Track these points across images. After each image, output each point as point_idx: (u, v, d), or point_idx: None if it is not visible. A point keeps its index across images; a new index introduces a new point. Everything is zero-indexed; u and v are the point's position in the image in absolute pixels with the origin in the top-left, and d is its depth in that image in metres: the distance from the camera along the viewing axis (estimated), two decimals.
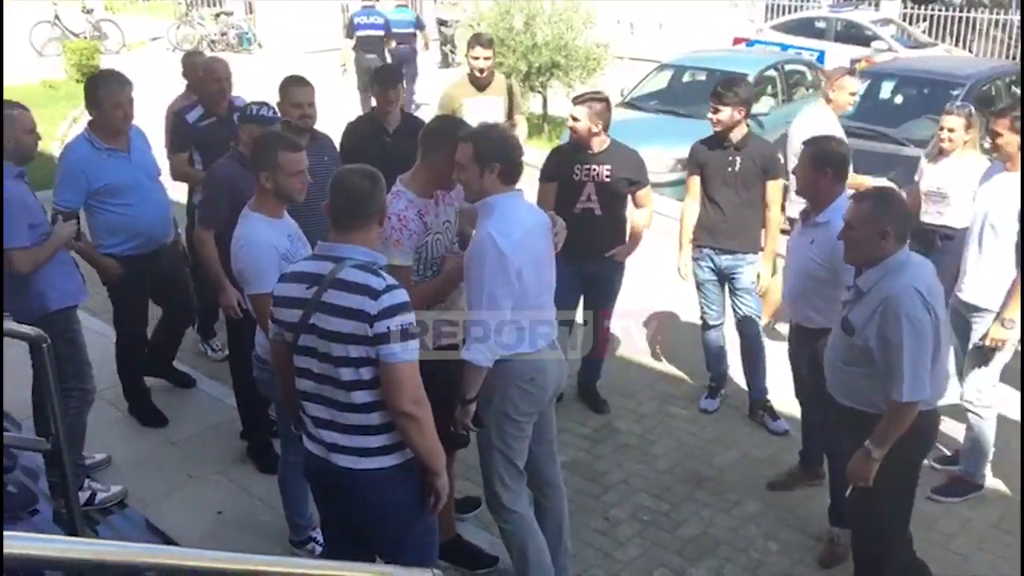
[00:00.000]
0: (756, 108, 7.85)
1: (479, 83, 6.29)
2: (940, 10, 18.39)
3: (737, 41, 16.34)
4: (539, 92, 12.20)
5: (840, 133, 5.52)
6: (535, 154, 8.84)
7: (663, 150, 9.07)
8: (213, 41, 20.30)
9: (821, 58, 14.42)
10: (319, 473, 3.06)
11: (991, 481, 4.79)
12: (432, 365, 3.11)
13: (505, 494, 3.65)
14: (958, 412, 4.80)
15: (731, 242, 5.20)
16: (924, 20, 18.38)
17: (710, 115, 5.10)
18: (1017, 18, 17.03)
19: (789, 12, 18.93)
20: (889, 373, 3.30)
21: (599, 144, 5.01)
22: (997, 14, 17.79)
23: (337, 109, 8.21)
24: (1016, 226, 4.37)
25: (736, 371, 5.72)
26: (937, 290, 3.40)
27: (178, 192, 5.81)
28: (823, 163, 4.08)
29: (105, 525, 4.34)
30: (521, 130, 6.62)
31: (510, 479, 3.65)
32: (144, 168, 4.82)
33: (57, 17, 19.26)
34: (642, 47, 16.42)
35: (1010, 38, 17.45)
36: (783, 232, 5.26)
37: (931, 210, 5.47)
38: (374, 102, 5.56)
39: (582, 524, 4.47)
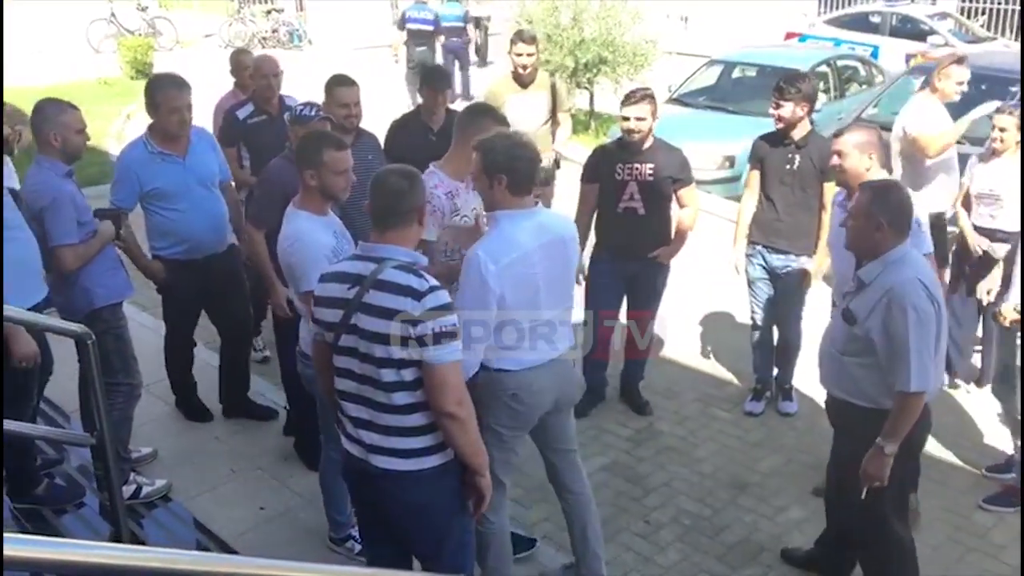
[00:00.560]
0: None
1: (522, 80, 6.26)
2: (1000, 3, 17.92)
3: (789, 36, 16.07)
4: (586, 88, 12.13)
5: (948, 122, 5.49)
6: (581, 151, 8.83)
7: (711, 147, 8.99)
8: (264, 38, 20.53)
9: (875, 53, 14.13)
10: (357, 474, 3.06)
11: None
12: None
13: None
14: (1011, 421, 4.68)
15: (783, 242, 5.10)
16: (983, 14, 17.92)
17: (771, 110, 4.99)
18: None
19: (843, 6, 18.60)
20: (894, 364, 3.34)
21: (644, 143, 4.95)
22: None
23: (386, 104, 8.25)
24: None
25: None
26: (937, 282, 3.46)
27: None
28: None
29: (149, 519, 4.41)
30: (564, 128, 6.58)
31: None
32: (198, 174, 4.73)
33: (113, 15, 19.62)
34: (691, 42, 16.26)
35: None
36: None
37: (983, 213, 5.30)
38: (421, 99, 5.59)
39: (622, 527, 4.44)
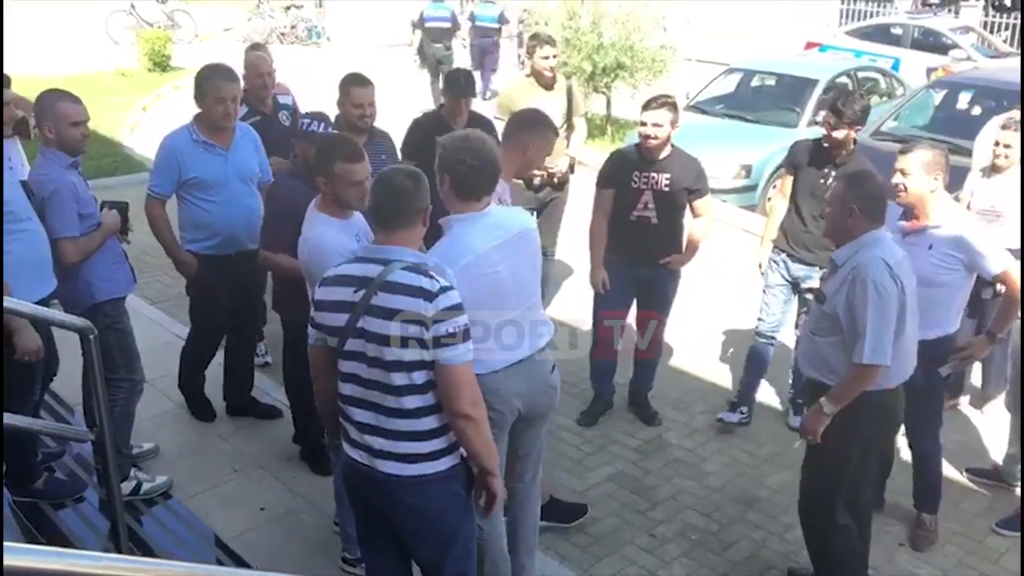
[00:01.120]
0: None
1: (546, 82, 6.22)
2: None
3: (809, 46, 15.97)
4: (603, 93, 12.07)
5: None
6: (596, 155, 8.76)
7: (728, 156, 8.91)
8: (283, 34, 20.61)
9: (896, 66, 14.01)
10: (361, 480, 3.00)
11: None
12: None
13: None
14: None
15: (807, 253, 5.01)
16: (1006, 29, 17.77)
17: (825, 130, 4.86)
18: None
19: (865, 17, 18.47)
20: (853, 336, 3.46)
21: (661, 151, 4.88)
22: None
23: (405, 101, 8.20)
24: None
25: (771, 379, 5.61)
26: (905, 265, 3.52)
27: None
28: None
29: (148, 515, 4.36)
30: (580, 132, 6.52)
31: None
32: (239, 169, 4.69)
33: (133, 6, 19.69)
34: (711, 50, 16.17)
35: None
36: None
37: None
38: (443, 100, 5.59)
39: (627, 540, 4.37)
